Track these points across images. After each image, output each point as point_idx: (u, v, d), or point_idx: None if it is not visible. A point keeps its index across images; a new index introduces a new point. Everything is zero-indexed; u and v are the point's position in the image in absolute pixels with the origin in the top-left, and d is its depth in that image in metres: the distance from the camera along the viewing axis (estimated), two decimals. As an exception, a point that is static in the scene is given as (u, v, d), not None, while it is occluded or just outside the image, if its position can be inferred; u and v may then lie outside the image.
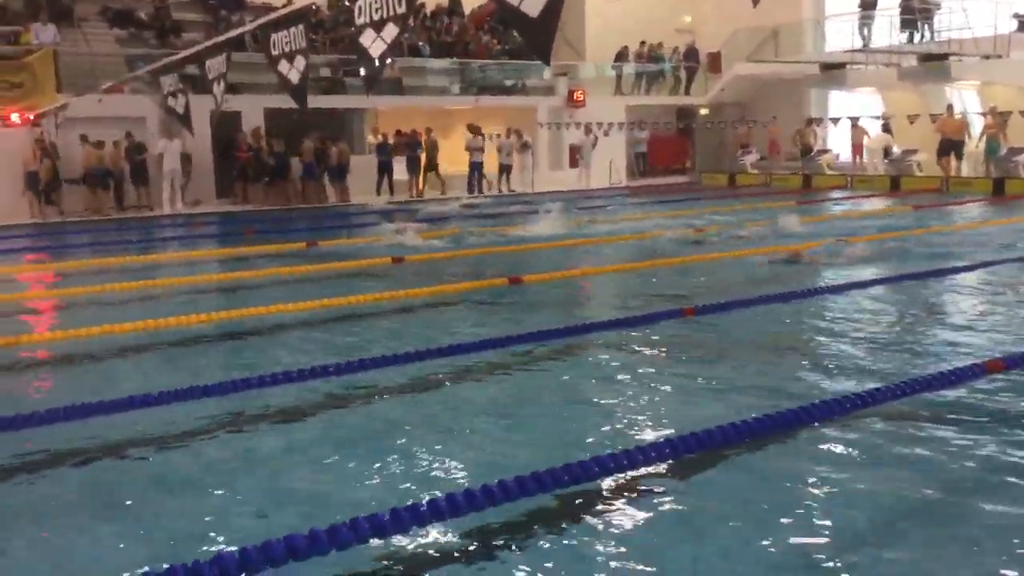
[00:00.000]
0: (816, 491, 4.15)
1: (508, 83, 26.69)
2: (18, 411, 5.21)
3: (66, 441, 4.94)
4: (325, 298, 8.69)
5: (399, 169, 23.50)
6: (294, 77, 6.02)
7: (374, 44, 4.86)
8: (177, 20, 23.77)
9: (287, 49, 6.01)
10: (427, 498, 3.81)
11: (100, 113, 17.75)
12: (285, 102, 22.16)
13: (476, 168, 23.87)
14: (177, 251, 13.20)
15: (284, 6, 24.68)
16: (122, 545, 3.77)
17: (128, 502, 4.21)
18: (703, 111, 29.10)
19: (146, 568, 3.38)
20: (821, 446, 4.68)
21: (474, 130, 23.75)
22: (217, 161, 22.14)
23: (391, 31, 4.74)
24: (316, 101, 22.34)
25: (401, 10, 4.66)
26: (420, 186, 23.64)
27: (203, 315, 8.02)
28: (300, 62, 5.93)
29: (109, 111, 18.67)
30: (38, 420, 5.05)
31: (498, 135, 24.31)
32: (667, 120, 28.27)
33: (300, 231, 15.81)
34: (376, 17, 4.78)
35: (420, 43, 25.51)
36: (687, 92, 29.42)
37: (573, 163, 26.22)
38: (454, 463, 4.61)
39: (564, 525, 3.84)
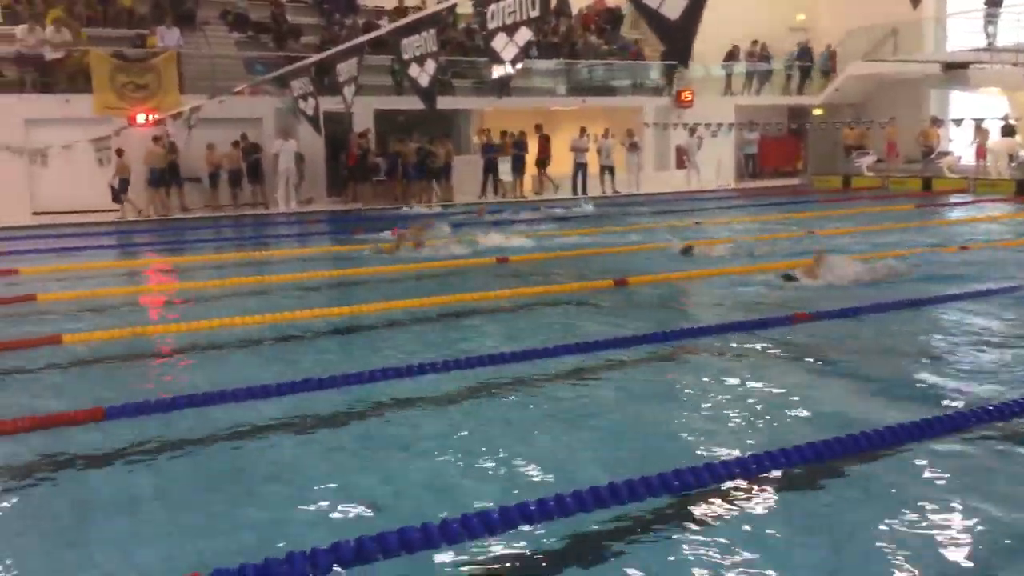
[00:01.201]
0: (931, 513, 3.94)
1: (614, 83, 26.51)
2: (145, 398, 5.44)
3: (188, 429, 5.11)
4: (431, 295, 8.80)
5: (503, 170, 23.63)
6: (424, 80, 6.12)
7: (506, 48, 4.88)
8: (293, 24, 24.44)
9: (418, 53, 6.10)
10: (539, 497, 3.79)
11: (220, 115, 18.38)
12: (394, 103, 22.76)
13: (581, 169, 23.78)
14: (290, 248, 13.57)
15: (395, 9, 25.34)
16: (234, 532, 3.86)
17: (241, 489, 4.32)
18: (816, 111, 28.29)
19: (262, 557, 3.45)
20: (937, 461, 4.45)
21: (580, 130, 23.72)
22: (329, 161, 22.74)
23: (524, 35, 4.75)
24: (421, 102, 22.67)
25: (534, 13, 4.66)
26: (523, 187, 23.71)
27: (316, 310, 8.21)
28: (430, 65, 6.02)
29: (228, 112, 19.34)
30: (163, 407, 5.26)
31: (599, 136, 24.17)
32: (778, 121, 27.59)
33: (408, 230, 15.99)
34: (509, 21, 4.79)
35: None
36: (800, 92, 28.66)
37: (680, 164, 25.88)
38: (561, 463, 4.57)
39: (667, 531, 3.76)
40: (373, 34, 8.44)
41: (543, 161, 24.16)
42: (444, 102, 23.66)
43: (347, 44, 8.30)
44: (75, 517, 4.03)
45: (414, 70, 6.23)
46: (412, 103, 22.37)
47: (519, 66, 5.17)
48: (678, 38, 3.48)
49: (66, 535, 3.85)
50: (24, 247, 14.05)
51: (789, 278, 9.19)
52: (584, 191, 23.74)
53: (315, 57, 9.21)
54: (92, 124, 19.44)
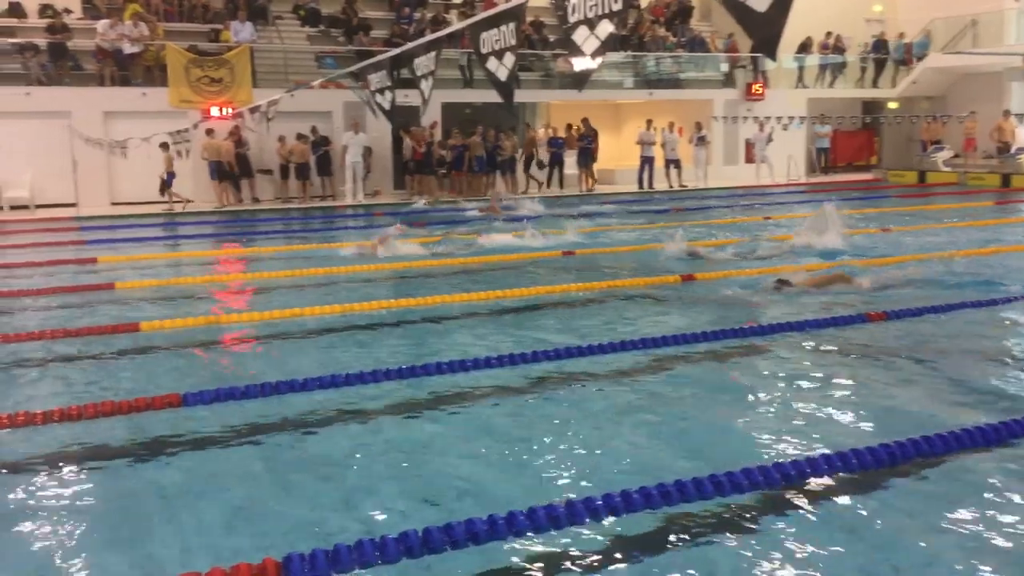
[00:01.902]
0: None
1: (682, 76, 26.21)
2: (219, 385, 5.57)
3: (260, 415, 5.21)
4: (497, 289, 8.83)
5: (569, 163, 23.56)
6: (502, 74, 6.11)
7: (587, 41, 4.85)
8: (363, 17, 24.69)
9: (497, 47, 6.10)
10: (606, 492, 3.78)
11: (291, 108, 18.67)
12: (461, 96, 22.84)
13: (647, 163, 23.58)
14: (357, 240, 13.69)
15: (463, 2, 25.40)
16: (306, 516, 3.92)
17: (313, 474, 4.40)
18: (891, 105, 27.58)
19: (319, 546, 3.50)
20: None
21: (647, 123, 23.51)
22: (395, 154, 22.94)
23: (605, 28, 4.70)
24: (490, 95, 22.72)
25: (617, 7, 4.61)
26: (590, 181, 23.61)
27: (384, 301, 8.30)
28: (509, 59, 6.02)
29: (299, 106, 19.62)
30: (237, 394, 5.38)
31: (663, 129, 23.92)
32: (852, 114, 26.94)
33: (472, 222, 16.08)
34: (591, 14, 4.76)
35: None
36: (875, 84, 27.98)
37: (749, 158, 25.49)
38: (632, 457, 4.55)
39: (734, 532, 3.71)
40: (452, 28, 8.48)
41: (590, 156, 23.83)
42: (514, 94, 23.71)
43: (427, 38, 8.36)
44: (155, 499, 4.15)
45: (492, 64, 6.23)
46: (479, 96, 22.70)
47: (599, 60, 5.13)
48: (766, 30, 3.41)
49: (146, 517, 3.96)
50: (102, 236, 14.46)
51: (783, 283, 8.70)
52: (651, 185, 23.54)
53: (395, 51, 9.27)
54: (167, 117, 19.90)
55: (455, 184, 22.64)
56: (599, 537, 3.65)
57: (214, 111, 20.90)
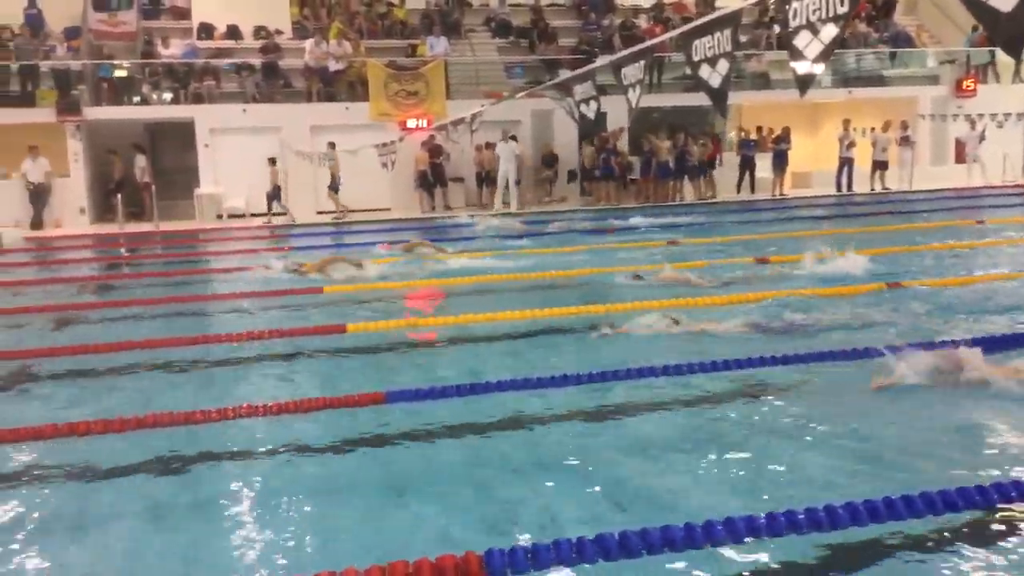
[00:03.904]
0: None
1: (885, 73, 24.88)
2: (417, 386, 5.80)
3: (453, 414, 5.37)
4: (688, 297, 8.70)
5: (763, 166, 22.88)
6: (715, 81, 6.07)
7: (810, 46, 4.74)
8: (553, 27, 25.03)
9: (710, 54, 6.08)
10: (808, 506, 3.64)
11: (484, 117, 19.17)
12: (647, 100, 22.73)
13: (846, 164, 22.51)
14: (554, 246, 13.85)
15: (653, 6, 25.22)
16: (502, 514, 4.01)
17: (510, 475, 4.49)
18: None
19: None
20: None
21: (845, 124, 22.49)
22: (588, 160, 23.11)
23: (830, 32, 4.58)
24: (680, 99, 22.48)
25: (843, 10, 4.48)
26: (783, 185, 22.83)
27: (570, 308, 8.33)
28: (723, 66, 5.97)
29: (489, 115, 20.11)
30: (436, 394, 5.59)
31: (872, 129, 22.73)
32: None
33: (661, 229, 15.92)
34: (813, 18, 4.66)
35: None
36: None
37: (959, 158, 23.84)
38: (823, 472, 4.37)
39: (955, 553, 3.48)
40: (663, 37, 8.49)
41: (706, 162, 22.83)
42: (698, 98, 23.33)
43: (638, 47, 8.40)
44: (357, 489, 4.37)
45: (705, 71, 6.18)
46: (666, 100, 22.45)
47: (823, 66, 4.99)
48: (1011, 29, 3.22)
49: (350, 508, 4.17)
50: (308, 243, 15.36)
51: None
52: (850, 188, 22.48)
53: (602, 61, 9.39)
54: (368, 130, 20.95)
55: (641, 190, 22.50)
56: (800, 550, 3.52)
57: (411, 123, 21.80)
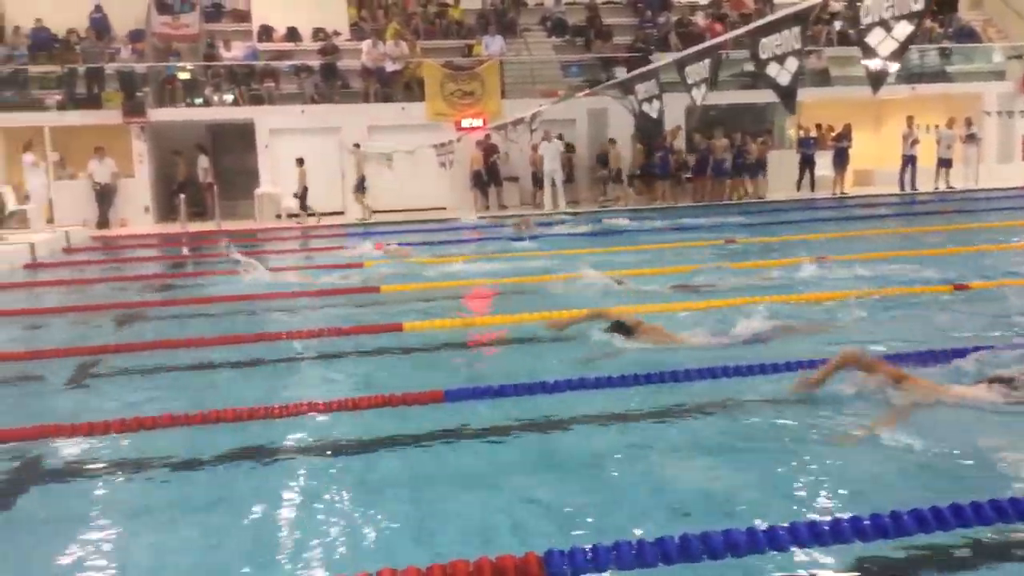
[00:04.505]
0: None
1: (949, 69, 24.30)
2: (475, 384, 5.82)
3: (511, 413, 5.36)
4: (747, 296, 8.58)
5: (823, 164, 22.51)
6: (784, 79, 6.00)
7: (883, 43, 4.66)
8: (608, 25, 24.93)
9: (778, 52, 6.01)
10: (874, 512, 3.57)
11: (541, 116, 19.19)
12: (708, 99, 22.48)
13: (909, 162, 22.04)
14: (595, 247, 13.81)
15: (710, 3, 24.97)
16: (560, 513, 4.00)
17: (568, 474, 4.48)
18: None
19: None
20: None
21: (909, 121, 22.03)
22: (635, 158, 22.98)
23: (904, 29, 4.50)
24: (737, 96, 22.23)
25: (917, 7, 4.40)
26: (844, 183, 22.43)
27: (632, 307, 8.28)
28: (792, 63, 5.90)
29: (546, 115, 20.09)
30: (493, 392, 5.60)
31: (936, 126, 22.22)
32: None
33: (718, 227, 15.75)
34: (887, 15, 4.58)
35: (851, 31, 24.21)
36: None
37: (1029, 156, 23.21)
38: (886, 480, 4.28)
39: None
40: (730, 35, 8.41)
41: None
42: (756, 95, 23.08)
43: (704, 45, 8.34)
44: (416, 487, 4.39)
45: (773, 69, 6.11)
46: (723, 98, 22.18)
47: (897, 65, 4.89)
48: None
49: (409, 506, 4.20)
50: (366, 243, 15.49)
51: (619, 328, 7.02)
52: (913, 186, 22.00)
53: (667, 59, 9.32)
54: (424, 130, 21.11)
55: (697, 189, 22.30)
56: (865, 558, 3.46)
57: (465, 123, 21.90)
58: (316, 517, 4.07)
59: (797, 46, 5.81)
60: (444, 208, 21.82)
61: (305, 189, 20.62)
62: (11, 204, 18.99)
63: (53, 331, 8.81)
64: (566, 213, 20.49)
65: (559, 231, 16.54)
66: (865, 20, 4.76)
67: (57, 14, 22.65)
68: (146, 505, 4.34)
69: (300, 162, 20.29)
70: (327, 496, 4.31)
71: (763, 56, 6.22)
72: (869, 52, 4.78)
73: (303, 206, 20.71)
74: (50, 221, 19.63)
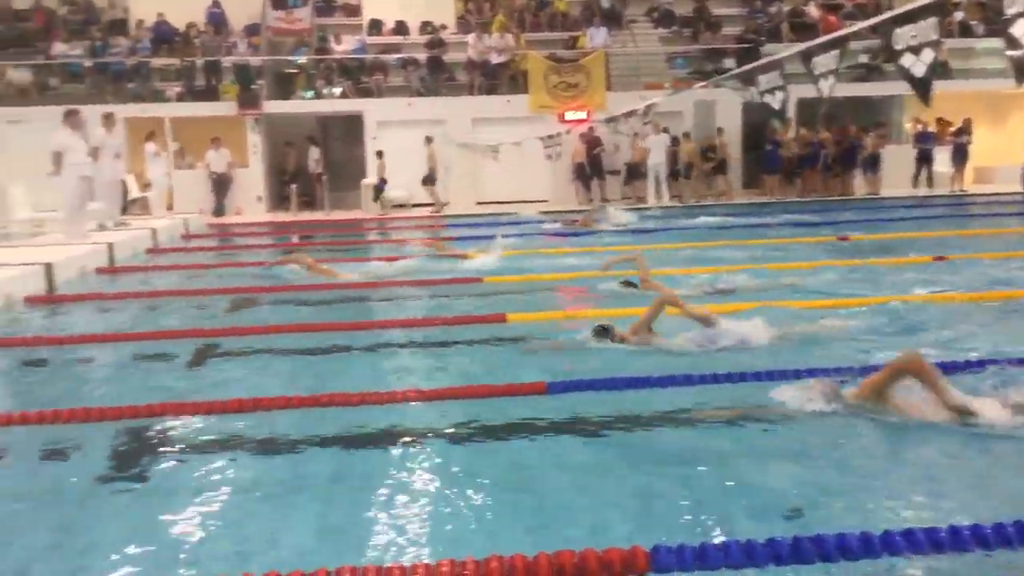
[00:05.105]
0: None
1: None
2: (580, 377, 5.82)
3: (611, 408, 5.34)
4: (863, 296, 8.33)
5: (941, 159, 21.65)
6: (918, 71, 5.82)
7: None
8: (717, 15, 24.53)
9: (913, 42, 5.83)
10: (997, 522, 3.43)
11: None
12: (814, 91, 21.90)
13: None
14: (697, 241, 13.61)
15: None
16: (665, 508, 3.98)
17: (677, 470, 4.44)
18: None
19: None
20: None
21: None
22: (744, 152, 22.55)
23: None
24: (850, 89, 21.54)
25: None
26: (963, 180, 21.50)
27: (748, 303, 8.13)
28: (928, 55, 5.72)
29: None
30: (598, 385, 5.60)
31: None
32: None
33: (830, 224, 15.33)
34: None
35: (972, 22, 23.20)
36: None
37: None
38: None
39: None
40: (862, 24, 8.19)
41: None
42: (870, 88, 22.35)
43: (833, 35, 8.15)
44: (518, 476, 4.43)
45: (907, 60, 5.92)
46: (837, 90, 21.42)
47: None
48: None
49: (510, 494, 4.24)
50: (471, 233, 15.66)
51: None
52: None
53: (795, 48, 9.14)
54: (527, 122, 21.19)
55: (807, 183, 21.74)
56: (982, 569, 3.33)
57: (568, 115, 21.88)
58: (421, 502, 4.13)
59: (934, 36, 5.60)
60: (546, 201, 21.86)
61: (383, 181, 21.08)
62: (134, 191, 19.87)
63: (174, 313, 9.20)
64: (669, 207, 20.28)
65: (661, 225, 16.36)
66: (1009, 11, 4.55)
67: (177, 9, 23.57)
68: (258, 482, 4.50)
69: (380, 155, 20.77)
70: (432, 482, 4.37)
71: (897, 47, 6.01)
72: (1015, 43, 4.57)
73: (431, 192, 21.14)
74: (169, 208, 20.48)
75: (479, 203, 21.77)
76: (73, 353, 7.41)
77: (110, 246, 12.70)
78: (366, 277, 11.01)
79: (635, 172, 21.81)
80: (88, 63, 22.61)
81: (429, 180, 21.17)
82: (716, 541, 3.35)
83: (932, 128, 21.91)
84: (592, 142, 21.58)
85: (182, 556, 3.67)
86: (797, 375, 5.62)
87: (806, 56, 7.98)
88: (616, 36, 23.79)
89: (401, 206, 21.54)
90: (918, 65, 5.82)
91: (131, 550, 3.71)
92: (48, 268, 10.48)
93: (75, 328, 8.43)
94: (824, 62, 7.65)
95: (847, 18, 22.55)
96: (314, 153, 22.54)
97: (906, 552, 3.36)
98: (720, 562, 3.27)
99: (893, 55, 6.10)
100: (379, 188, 21.14)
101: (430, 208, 21.24)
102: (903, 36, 5.92)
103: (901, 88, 22.55)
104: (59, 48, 22.67)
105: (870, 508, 3.94)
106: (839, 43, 7.68)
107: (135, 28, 23.62)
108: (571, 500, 4.16)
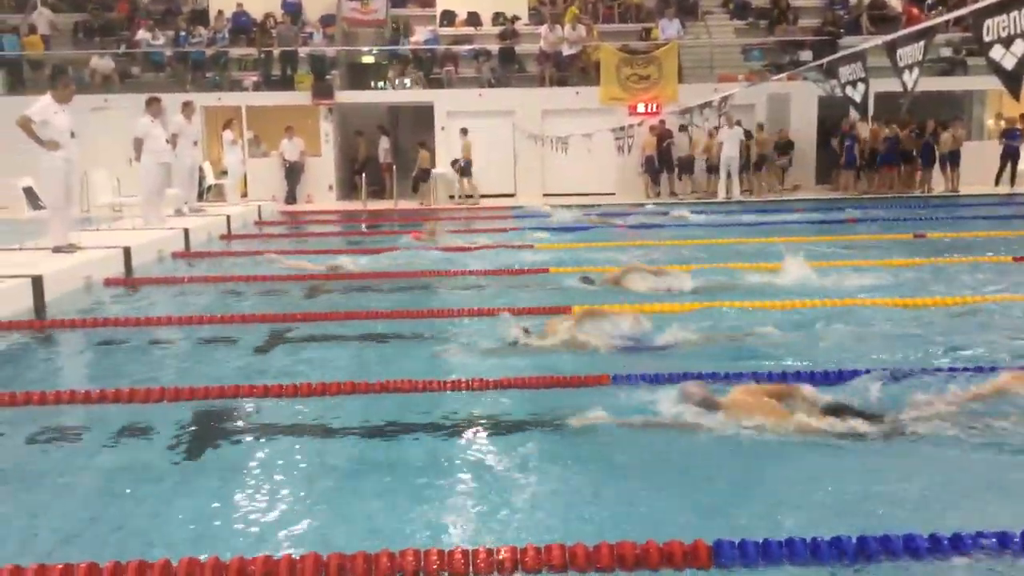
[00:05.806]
0: None
1: None
2: (644, 370, 5.80)
3: (659, 402, 5.28)
4: (937, 295, 8.11)
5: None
6: (1008, 63, 5.64)
7: None
8: (794, 6, 24.10)
9: (1004, 34, 5.65)
10: None
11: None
12: (894, 85, 21.38)
13: None
14: (767, 236, 13.38)
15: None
16: (726, 501, 3.93)
17: (737, 464, 4.40)
18: None
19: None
20: None
21: None
22: (819, 148, 22.12)
23: None
24: (931, 83, 20.90)
25: None
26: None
27: (797, 301, 7.99)
28: (1019, 46, 5.53)
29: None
30: (662, 379, 5.57)
31: None
32: None
33: (906, 221, 14.94)
34: None
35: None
36: None
37: None
38: None
39: None
40: (951, 15, 7.97)
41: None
42: (951, 82, 21.68)
43: (920, 26, 7.94)
44: (577, 468, 4.43)
45: (997, 52, 5.74)
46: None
47: None
48: None
49: (570, 485, 4.24)
50: (538, 224, 15.66)
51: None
52: None
53: (879, 39, 8.94)
54: (597, 114, 21.08)
55: (884, 179, 21.21)
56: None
57: (640, 107, 21.71)
58: (481, 489, 4.17)
59: None
60: (613, 194, 21.74)
61: (468, 162, 21.18)
62: (210, 178, 20.35)
63: (246, 298, 9.41)
64: (740, 202, 19.99)
65: (730, 220, 16.15)
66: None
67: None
68: (323, 465, 4.59)
69: (464, 132, 20.99)
70: (488, 471, 4.41)
71: (987, 38, 5.83)
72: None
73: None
74: (244, 195, 20.92)
75: (545, 195, 21.74)
76: (148, 335, 7.64)
77: (186, 231, 13.04)
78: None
79: (705, 167, 21.54)
80: (169, 52, 23.20)
81: (466, 172, 21.29)
82: (779, 538, 3.31)
83: (1020, 125, 21.14)
84: (663, 135, 21.38)
85: (252, 531, 3.77)
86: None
87: (891, 48, 7.77)
88: (690, 28, 23.51)
89: (470, 196, 21.64)
90: (1008, 58, 5.62)
91: (198, 525, 3.82)
92: (127, 252, 10.81)
93: (151, 311, 8.68)
94: (909, 54, 7.44)
95: (930, 10, 21.91)
96: (384, 143, 22.78)
97: (973, 554, 3.28)
98: (784, 558, 3.24)
99: (982, 47, 5.90)
100: (464, 168, 21.29)
101: (494, 198, 21.30)
102: (993, 27, 5.73)
103: (984, 83, 21.92)
104: (142, 37, 23.30)
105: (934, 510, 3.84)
106: (925, 34, 7.46)
107: (215, 18, 24.14)
108: (624, 491, 4.15)
